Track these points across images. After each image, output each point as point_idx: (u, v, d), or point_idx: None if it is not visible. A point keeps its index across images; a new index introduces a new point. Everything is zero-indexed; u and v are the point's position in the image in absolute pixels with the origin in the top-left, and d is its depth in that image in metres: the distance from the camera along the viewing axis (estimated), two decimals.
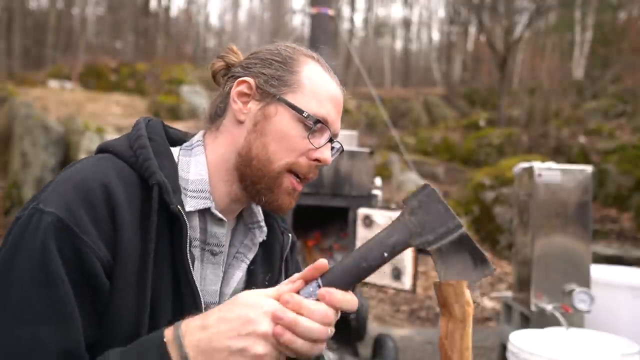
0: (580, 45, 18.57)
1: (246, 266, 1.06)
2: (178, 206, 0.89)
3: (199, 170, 0.99)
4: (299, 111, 0.96)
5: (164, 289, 0.90)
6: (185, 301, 0.91)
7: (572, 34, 19.00)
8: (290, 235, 1.16)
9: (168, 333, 0.76)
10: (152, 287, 0.87)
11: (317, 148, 0.98)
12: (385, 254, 0.79)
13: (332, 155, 1.04)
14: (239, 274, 1.04)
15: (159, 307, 0.89)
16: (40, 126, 7.52)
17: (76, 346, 0.80)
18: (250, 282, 1.07)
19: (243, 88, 1.00)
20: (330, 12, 5.18)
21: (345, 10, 26.88)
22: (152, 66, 15.83)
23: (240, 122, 1.00)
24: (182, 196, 0.95)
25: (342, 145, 1.08)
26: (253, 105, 0.99)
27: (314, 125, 0.97)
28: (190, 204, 0.95)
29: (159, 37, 22.79)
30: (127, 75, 15.40)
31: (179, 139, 1.07)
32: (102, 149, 0.97)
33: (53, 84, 13.64)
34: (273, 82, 0.99)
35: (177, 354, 0.74)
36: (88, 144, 7.41)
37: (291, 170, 0.98)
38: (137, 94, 13.86)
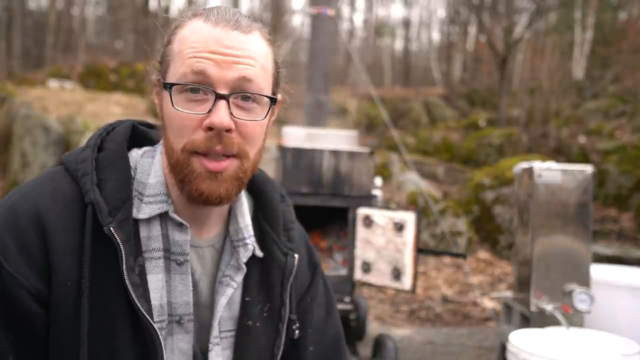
0: (580, 45, 18.56)
1: (232, 290, 0.95)
2: (111, 228, 0.81)
3: (156, 172, 0.92)
4: (164, 86, 0.85)
5: (119, 311, 0.83)
6: (142, 322, 0.83)
7: (572, 34, 18.98)
8: (296, 255, 1.01)
9: None
10: (105, 311, 0.82)
11: (203, 116, 0.83)
12: None
13: (245, 111, 0.85)
14: (223, 300, 0.94)
15: (115, 331, 0.82)
16: (40, 126, 7.52)
17: None
18: (246, 316, 0.97)
19: (155, 83, 0.93)
20: (330, 12, 5.18)
21: (345, 10, 26.88)
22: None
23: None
24: (138, 204, 0.88)
25: (252, 94, 0.85)
26: (158, 100, 0.92)
27: (189, 91, 0.83)
28: (145, 211, 0.88)
29: (159, 37, 22.75)
30: (127, 75, 15.39)
31: (156, 139, 1.00)
32: (61, 161, 0.93)
33: (53, 84, 13.61)
34: (160, 68, 0.90)
35: None
36: None
37: (194, 152, 0.84)
38: (137, 94, 13.84)
